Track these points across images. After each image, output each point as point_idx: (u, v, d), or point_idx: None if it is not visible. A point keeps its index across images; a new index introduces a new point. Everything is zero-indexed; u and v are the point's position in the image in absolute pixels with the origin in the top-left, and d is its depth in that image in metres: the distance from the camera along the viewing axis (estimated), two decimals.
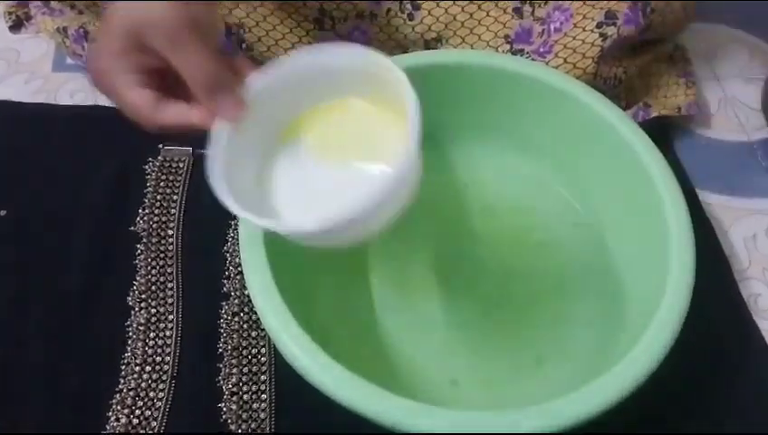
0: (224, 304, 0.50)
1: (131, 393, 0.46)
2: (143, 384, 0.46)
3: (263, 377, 0.47)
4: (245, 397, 0.46)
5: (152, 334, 0.48)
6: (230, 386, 0.47)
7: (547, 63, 0.56)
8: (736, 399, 0.48)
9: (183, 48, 0.38)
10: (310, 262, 0.47)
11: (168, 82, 0.41)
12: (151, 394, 0.46)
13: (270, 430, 0.45)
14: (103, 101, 0.61)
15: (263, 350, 0.48)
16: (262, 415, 0.45)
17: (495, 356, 0.48)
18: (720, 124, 0.62)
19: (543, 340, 0.49)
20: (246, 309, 0.50)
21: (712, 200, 0.57)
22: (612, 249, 0.52)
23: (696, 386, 0.48)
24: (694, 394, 0.48)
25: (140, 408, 0.46)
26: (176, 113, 0.41)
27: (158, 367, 0.47)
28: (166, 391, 0.46)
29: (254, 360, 0.48)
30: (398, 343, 0.48)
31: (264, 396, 0.46)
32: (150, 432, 0.45)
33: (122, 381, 0.47)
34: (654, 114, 0.59)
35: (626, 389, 0.39)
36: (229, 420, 0.45)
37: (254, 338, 0.48)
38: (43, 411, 0.46)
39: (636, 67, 0.60)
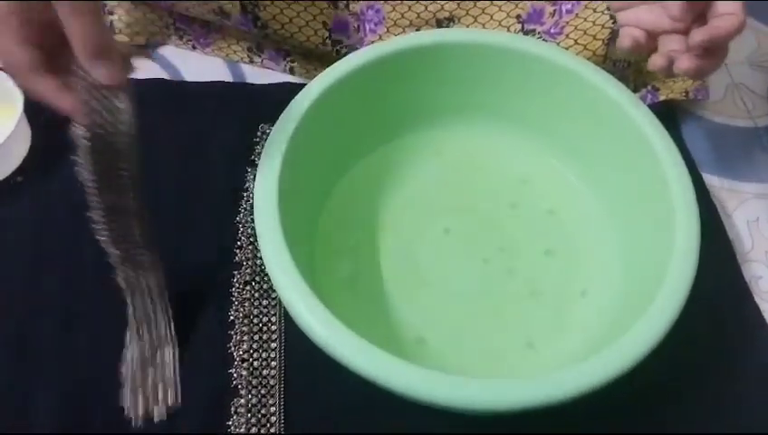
0: (236, 272, 0.51)
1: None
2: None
3: (273, 344, 0.48)
4: (255, 364, 0.47)
5: None
6: (241, 353, 0.47)
7: (558, 44, 0.57)
8: (737, 380, 0.48)
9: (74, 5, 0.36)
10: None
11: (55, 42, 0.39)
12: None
13: (279, 395, 0.46)
14: None
15: (273, 318, 0.49)
16: (271, 381, 0.46)
17: (485, 334, 0.49)
18: (727, 109, 0.63)
19: (541, 318, 0.50)
20: (258, 278, 0.50)
21: (717, 184, 0.58)
22: (617, 230, 0.53)
23: (698, 367, 0.48)
24: (695, 375, 0.48)
25: None
26: (46, 89, 0.39)
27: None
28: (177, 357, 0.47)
29: (265, 328, 0.49)
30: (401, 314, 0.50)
31: (273, 363, 0.47)
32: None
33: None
34: (662, 98, 0.60)
35: (625, 367, 0.39)
36: (239, 386, 0.46)
37: (264, 307, 0.49)
38: (58, 384, 0.47)
39: None
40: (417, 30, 0.58)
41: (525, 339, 0.49)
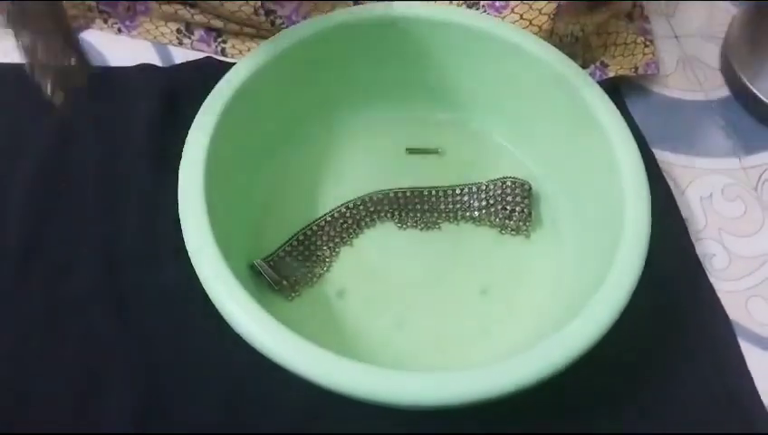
0: None
1: None
2: None
3: None
4: None
5: None
6: None
7: (503, 19, 0.55)
8: (690, 358, 0.47)
9: None
10: None
11: None
12: None
13: None
14: None
15: None
16: None
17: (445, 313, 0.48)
18: (678, 83, 0.61)
19: (492, 302, 0.48)
20: None
21: (669, 160, 0.56)
22: (567, 209, 0.51)
23: (651, 345, 0.47)
24: (648, 353, 0.47)
25: None
26: None
27: None
28: None
29: None
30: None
31: None
32: None
33: None
34: (611, 74, 0.58)
35: (579, 348, 0.38)
36: None
37: None
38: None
39: (593, 25, 0.59)
40: (355, 2, 0.55)
41: (480, 327, 0.47)
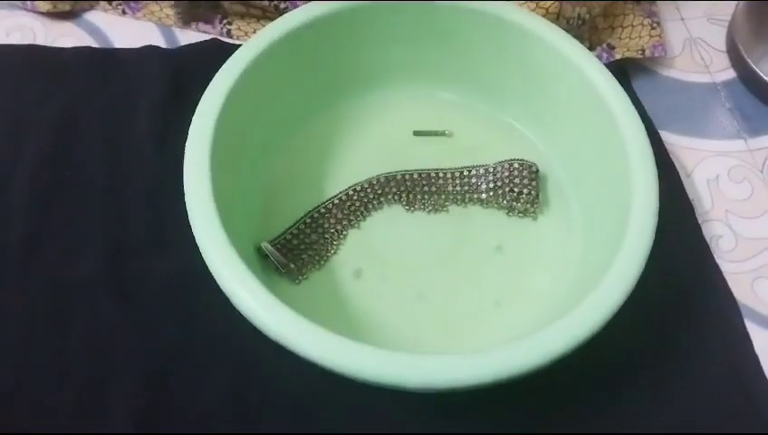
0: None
1: None
2: None
3: None
4: None
5: None
6: None
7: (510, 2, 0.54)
8: (698, 339, 0.47)
9: None
10: None
11: None
12: None
13: None
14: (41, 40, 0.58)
15: None
16: None
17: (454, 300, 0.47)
18: (684, 65, 0.61)
19: (502, 284, 0.48)
20: None
21: (675, 142, 0.56)
22: (575, 191, 0.51)
23: (658, 327, 0.47)
24: (656, 334, 0.47)
25: None
26: None
27: None
28: None
29: None
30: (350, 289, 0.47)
31: None
32: None
33: None
34: (618, 56, 0.58)
35: (588, 331, 0.38)
36: None
37: None
38: None
39: (600, 7, 0.58)
40: None
41: (488, 309, 0.47)
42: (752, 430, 0.45)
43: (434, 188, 0.51)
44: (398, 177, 0.51)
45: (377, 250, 0.49)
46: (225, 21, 0.59)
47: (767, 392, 0.46)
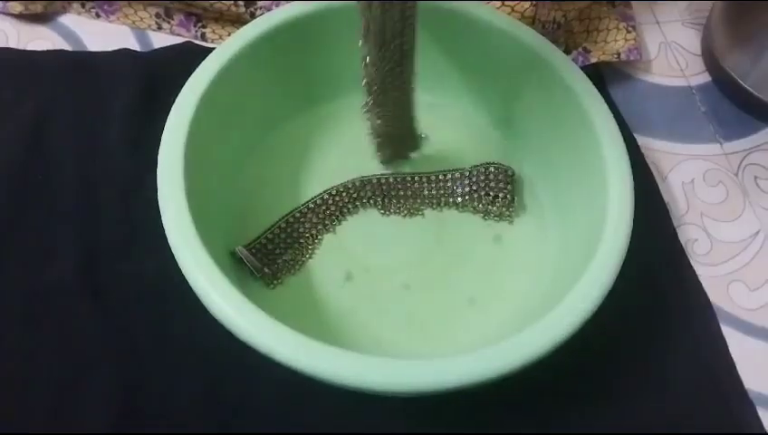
0: None
1: None
2: None
3: None
4: None
5: None
6: None
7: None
8: (673, 342, 0.48)
9: None
10: None
11: None
12: None
13: None
14: (13, 43, 0.57)
15: None
16: None
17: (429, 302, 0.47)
18: (660, 69, 0.61)
19: (478, 285, 0.48)
20: None
21: (651, 145, 0.57)
22: (551, 195, 0.51)
23: (634, 329, 0.47)
24: (631, 338, 0.47)
25: None
26: None
27: None
28: None
29: None
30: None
31: None
32: None
33: None
34: (593, 60, 0.58)
35: (563, 334, 0.38)
36: None
37: None
38: None
39: (575, 11, 0.59)
40: None
41: (463, 313, 0.47)
42: (725, 431, 0.45)
43: (409, 192, 0.51)
44: (374, 180, 0.51)
45: (352, 254, 0.49)
46: (199, 24, 0.59)
47: (741, 394, 0.46)
